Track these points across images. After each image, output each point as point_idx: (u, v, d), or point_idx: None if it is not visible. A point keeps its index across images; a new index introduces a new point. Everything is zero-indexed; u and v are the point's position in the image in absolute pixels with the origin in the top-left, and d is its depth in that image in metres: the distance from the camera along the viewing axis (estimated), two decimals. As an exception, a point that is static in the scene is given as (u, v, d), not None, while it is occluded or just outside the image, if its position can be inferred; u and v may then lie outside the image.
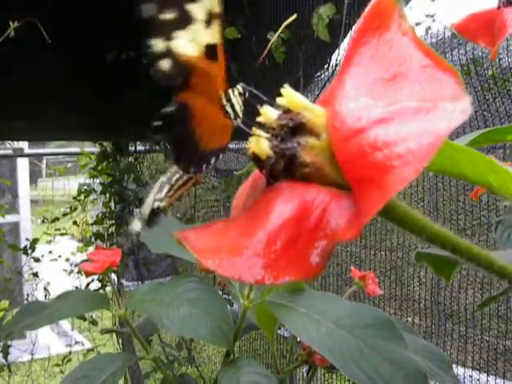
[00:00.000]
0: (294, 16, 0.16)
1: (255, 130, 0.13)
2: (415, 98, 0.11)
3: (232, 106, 0.16)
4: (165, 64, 0.15)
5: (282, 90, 0.13)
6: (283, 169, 0.12)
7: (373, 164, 0.10)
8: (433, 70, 0.12)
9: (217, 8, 0.16)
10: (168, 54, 0.16)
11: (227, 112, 0.16)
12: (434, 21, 1.05)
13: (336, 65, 0.94)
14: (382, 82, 0.12)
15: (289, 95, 0.13)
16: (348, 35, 0.89)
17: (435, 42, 0.96)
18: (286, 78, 1.06)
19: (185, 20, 0.16)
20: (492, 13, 0.32)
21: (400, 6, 0.13)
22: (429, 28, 1.06)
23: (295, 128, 0.12)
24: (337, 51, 1.03)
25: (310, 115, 0.13)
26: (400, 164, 0.10)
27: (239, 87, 0.17)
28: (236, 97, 0.16)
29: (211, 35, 0.16)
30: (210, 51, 0.16)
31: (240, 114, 0.16)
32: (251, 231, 0.11)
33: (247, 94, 0.16)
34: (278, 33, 0.18)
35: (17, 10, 0.69)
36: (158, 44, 0.15)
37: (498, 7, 0.32)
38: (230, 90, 0.16)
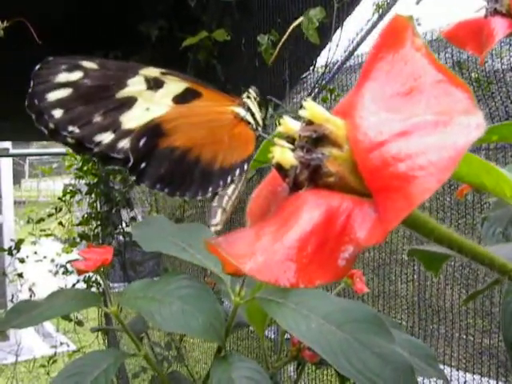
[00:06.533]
0: (301, 19, 0.17)
1: (278, 141, 0.14)
2: (431, 112, 0.12)
3: (253, 115, 0.16)
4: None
5: (305, 103, 0.14)
6: (307, 178, 0.13)
7: (396, 175, 0.11)
8: (446, 85, 0.13)
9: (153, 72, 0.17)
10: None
11: (249, 123, 0.16)
12: (419, 24, 1.07)
13: (326, 66, 0.95)
14: (399, 95, 0.13)
15: (311, 108, 0.14)
16: (335, 38, 0.90)
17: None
18: (273, 78, 1.07)
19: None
20: (479, 21, 0.33)
21: (413, 24, 0.14)
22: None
23: (318, 139, 0.13)
24: (322, 53, 1.04)
25: (332, 127, 0.13)
26: (423, 175, 0.11)
27: (251, 91, 0.17)
28: (253, 103, 0.16)
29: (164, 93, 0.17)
30: (185, 95, 0.17)
31: (260, 122, 0.16)
32: (282, 237, 0.12)
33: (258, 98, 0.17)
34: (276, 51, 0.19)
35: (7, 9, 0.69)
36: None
37: (485, 16, 0.33)
38: (246, 99, 0.17)
